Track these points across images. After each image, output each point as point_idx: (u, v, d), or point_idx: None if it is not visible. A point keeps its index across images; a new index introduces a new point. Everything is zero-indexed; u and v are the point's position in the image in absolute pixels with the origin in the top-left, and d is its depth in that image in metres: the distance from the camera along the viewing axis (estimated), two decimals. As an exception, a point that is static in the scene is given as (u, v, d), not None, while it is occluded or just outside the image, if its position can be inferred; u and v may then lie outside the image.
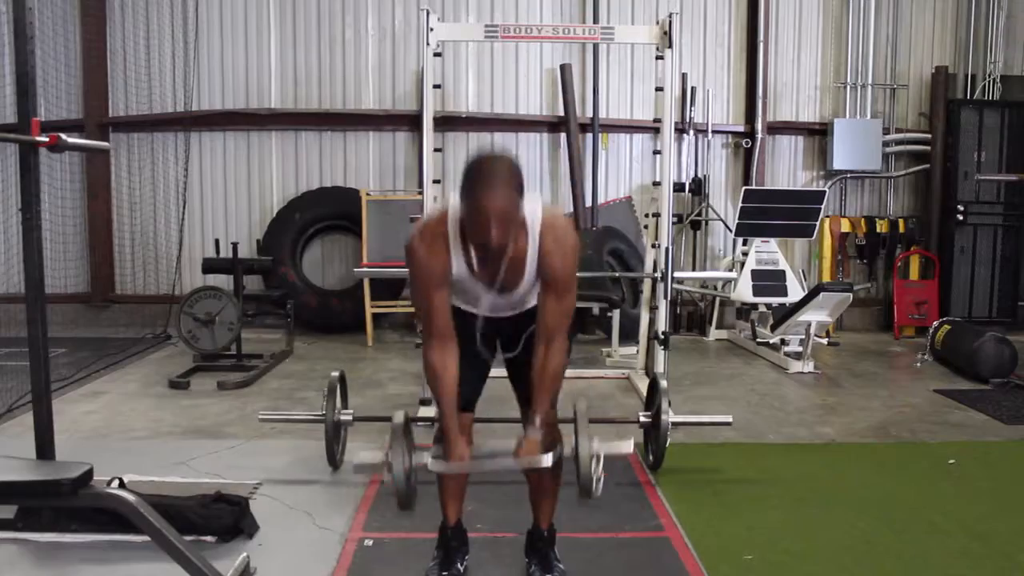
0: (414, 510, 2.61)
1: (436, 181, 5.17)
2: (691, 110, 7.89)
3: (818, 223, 7.15)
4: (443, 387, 2.49)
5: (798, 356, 6.26)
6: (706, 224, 8.08)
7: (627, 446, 2.67)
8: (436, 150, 5.88)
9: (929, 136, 8.10)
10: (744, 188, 7.29)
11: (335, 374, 3.86)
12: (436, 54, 4.99)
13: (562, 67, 7.83)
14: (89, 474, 2.21)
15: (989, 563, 2.97)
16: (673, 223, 5.27)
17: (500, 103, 8.00)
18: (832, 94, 8.21)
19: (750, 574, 2.88)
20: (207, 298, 5.94)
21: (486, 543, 3.01)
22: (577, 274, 2.53)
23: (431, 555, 2.81)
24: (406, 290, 7.52)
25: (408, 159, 7.96)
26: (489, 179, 2.21)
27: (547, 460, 2.50)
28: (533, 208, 2.39)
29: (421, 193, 5.75)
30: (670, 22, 4.85)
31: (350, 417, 3.85)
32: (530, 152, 7.99)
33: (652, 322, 5.41)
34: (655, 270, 5.29)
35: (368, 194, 7.50)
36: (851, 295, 6.10)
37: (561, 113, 7.90)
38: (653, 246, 5.49)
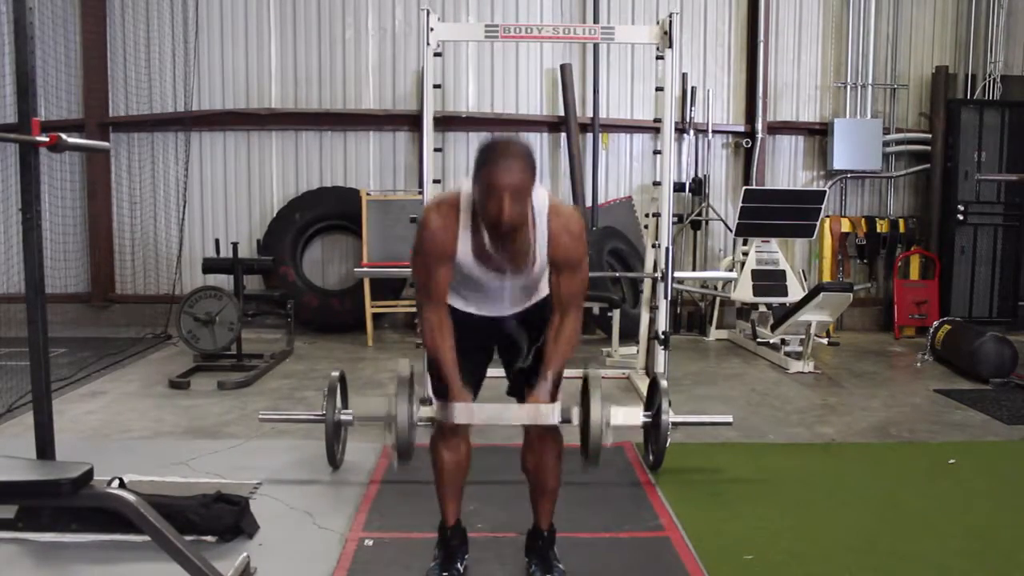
0: (411, 461, 2.57)
1: (436, 181, 5.18)
2: (691, 110, 7.88)
3: (818, 223, 7.15)
4: (442, 339, 2.47)
5: (798, 356, 6.26)
6: (706, 224, 8.08)
7: (636, 416, 2.66)
8: (436, 150, 5.90)
9: (929, 136, 8.10)
10: (744, 188, 7.30)
11: (335, 374, 3.85)
12: (436, 54, 4.99)
13: (562, 67, 7.83)
14: (89, 474, 2.20)
15: (989, 563, 2.97)
16: (673, 223, 5.27)
17: (500, 103, 8.00)
18: (832, 94, 8.20)
19: (750, 574, 2.88)
20: (207, 298, 5.94)
21: (486, 543, 3.01)
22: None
23: (431, 555, 2.81)
24: (406, 290, 7.53)
25: (408, 159, 7.96)
26: (504, 158, 2.26)
27: (554, 414, 2.44)
28: (540, 195, 2.44)
29: (421, 193, 5.75)
30: (670, 22, 4.86)
31: (350, 417, 3.85)
32: (530, 152, 8.00)
33: (652, 322, 5.41)
34: (655, 270, 5.29)
35: (368, 194, 7.50)
36: (851, 295, 6.10)
37: (561, 113, 7.89)
38: (653, 246, 5.49)
